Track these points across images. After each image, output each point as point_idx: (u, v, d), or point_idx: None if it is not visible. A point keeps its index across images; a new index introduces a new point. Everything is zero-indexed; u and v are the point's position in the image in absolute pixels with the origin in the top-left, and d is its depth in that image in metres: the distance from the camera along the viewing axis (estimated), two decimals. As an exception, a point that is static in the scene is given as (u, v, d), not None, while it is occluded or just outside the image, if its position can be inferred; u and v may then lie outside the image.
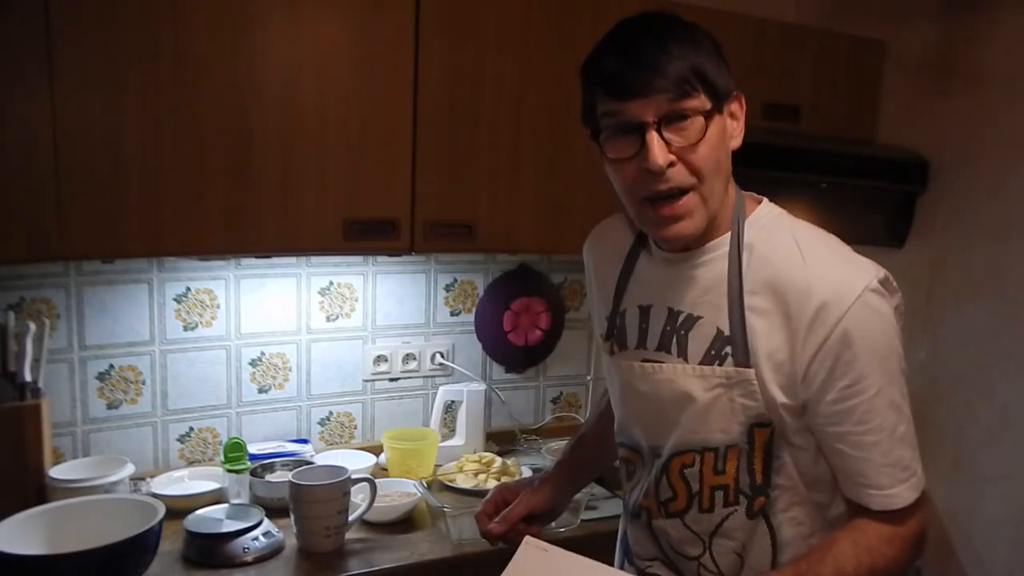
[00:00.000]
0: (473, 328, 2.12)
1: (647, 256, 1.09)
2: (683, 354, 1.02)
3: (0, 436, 1.47)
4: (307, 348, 1.95)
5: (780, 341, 0.94)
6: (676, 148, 0.92)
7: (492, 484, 1.78)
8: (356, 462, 1.81)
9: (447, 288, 2.09)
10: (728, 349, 0.97)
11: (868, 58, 2.10)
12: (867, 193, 2.03)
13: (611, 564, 1.25)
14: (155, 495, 1.54)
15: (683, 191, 0.94)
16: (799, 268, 0.94)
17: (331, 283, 1.96)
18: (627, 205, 1.00)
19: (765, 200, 1.05)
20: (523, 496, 1.24)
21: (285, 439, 1.92)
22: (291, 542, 1.50)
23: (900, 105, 2.08)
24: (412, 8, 1.57)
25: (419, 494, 1.65)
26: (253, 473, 1.68)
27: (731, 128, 0.98)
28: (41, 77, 1.31)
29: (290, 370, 1.94)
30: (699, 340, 1.00)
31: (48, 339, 1.59)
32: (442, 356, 2.10)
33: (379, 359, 2.03)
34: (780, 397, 0.96)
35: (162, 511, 1.35)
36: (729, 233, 1.00)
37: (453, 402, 2.05)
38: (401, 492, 1.69)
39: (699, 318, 1.00)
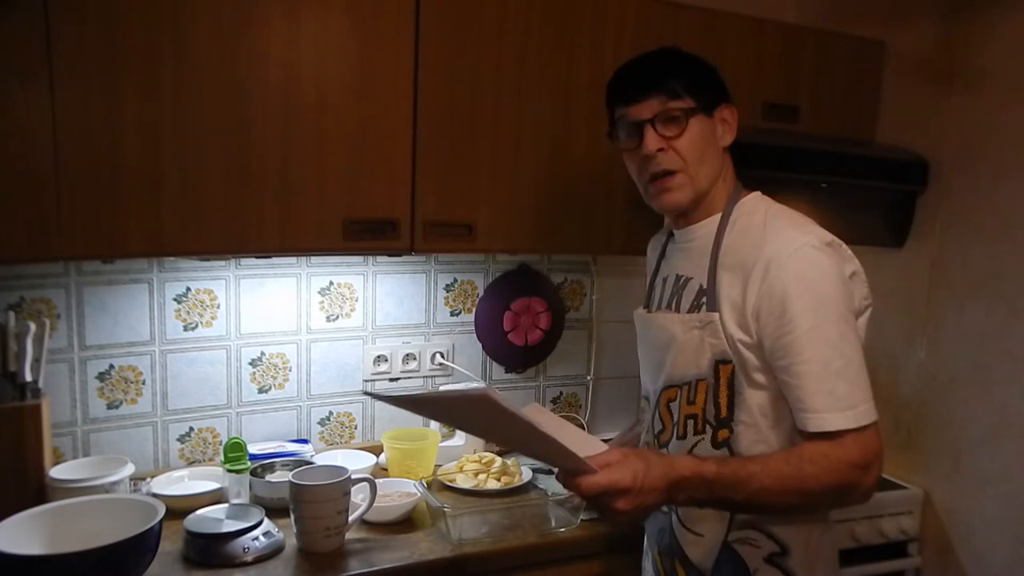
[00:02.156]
0: (473, 328, 2.12)
1: (672, 243, 1.36)
2: (678, 307, 1.27)
3: (0, 436, 1.47)
4: (307, 348, 1.95)
5: (738, 289, 1.15)
6: (666, 138, 1.19)
7: (492, 484, 1.78)
8: (356, 462, 1.81)
9: (447, 288, 2.09)
10: (704, 299, 1.21)
11: (868, 58, 2.10)
12: (867, 193, 2.03)
13: (639, 552, 1.46)
14: (155, 495, 1.54)
15: (672, 172, 1.21)
16: (760, 231, 1.17)
17: (331, 283, 1.96)
18: (640, 187, 1.27)
19: (758, 192, 1.28)
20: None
21: (285, 439, 1.92)
22: (291, 542, 1.50)
23: (900, 105, 2.08)
24: (412, 8, 1.57)
25: (419, 494, 1.65)
26: (253, 473, 1.68)
27: (720, 131, 1.24)
28: (41, 77, 1.31)
29: (290, 370, 1.94)
30: (688, 295, 1.25)
31: (48, 339, 1.59)
32: (442, 356, 2.10)
33: (379, 359, 2.03)
34: (737, 333, 1.16)
35: (162, 511, 1.35)
36: (721, 213, 1.25)
37: (453, 402, 2.05)
38: (401, 492, 1.69)
39: (690, 278, 1.26)
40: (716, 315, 1.17)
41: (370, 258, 1.98)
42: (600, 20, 1.75)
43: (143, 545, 1.31)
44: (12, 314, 1.61)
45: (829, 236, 1.16)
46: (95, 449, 1.75)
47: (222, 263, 1.83)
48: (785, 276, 1.10)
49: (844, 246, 1.17)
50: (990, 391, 1.86)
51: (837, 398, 1.08)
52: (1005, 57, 1.83)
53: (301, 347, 1.94)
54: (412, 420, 2.08)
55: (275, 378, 1.93)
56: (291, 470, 1.64)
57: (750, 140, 1.78)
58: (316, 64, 1.50)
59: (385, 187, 1.60)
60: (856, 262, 1.19)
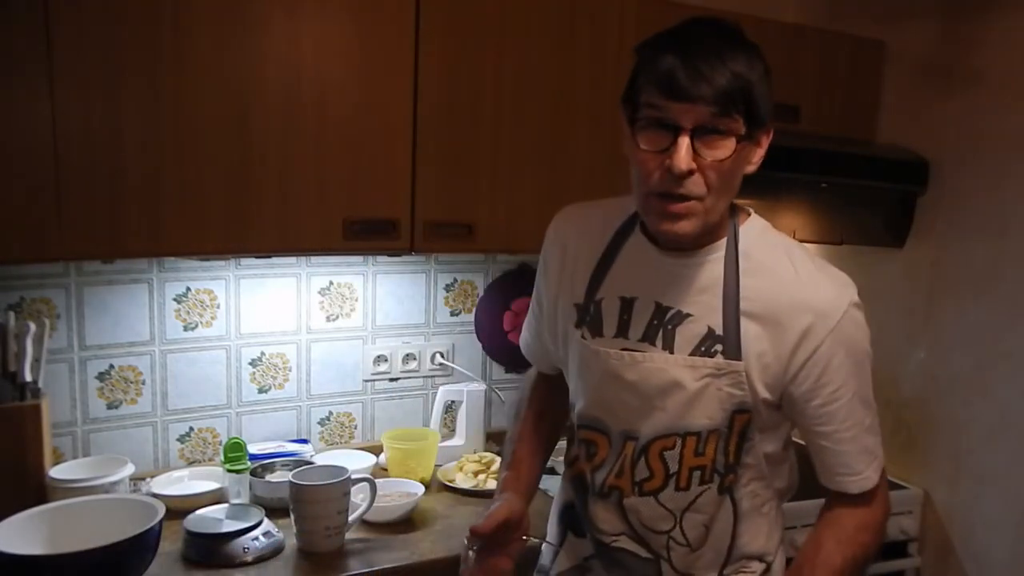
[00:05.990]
0: (473, 328, 2.12)
1: (637, 247, 1.12)
2: (668, 346, 1.07)
3: (0, 436, 1.47)
4: (307, 348, 1.95)
5: (769, 345, 1.04)
6: (701, 160, 0.96)
7: (492, 484, 1.78)
8: (356, 462, 1.81)
9: (447, 288, 2.09)
10: (719, 346, 1.05)
11: (868, 58, 2.10)
12: (867, 193, 2.03)
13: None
14: (155, 495, 1.54)
15: (688, 198, 0.98)
16: (793, 282, 1.04)
17: (331, 283, 1.96)
18: (637, 191, 1.04)
19: (753, 212, 1.12)
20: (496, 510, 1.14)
21: (285, 439, 1.92)
22: (291, 542, 1.50)
23: (900, 105, 2.09)
24: (412, 8, 1.57)
25: (419, 494, 1.66)
26: (253, 473, 1.68)
27: (752, 156, 1.03)
28: (41, 77, 1.30)
29: (290, 370, 1.94)
30: (688, 335, 1.06)
31: (48, 339, 1.59)
32: (442, 356, 2.10)
33: (379, 359, 2.03)
34: (763, 392, 1.05)
35: (162, 511, 1.35)
36: (725, 239, 1.07)
37: (453, 402, 2.05)
38: (401, 492, 1.69)
39: (688, 315, 1.06)
40: (741, 364, 1.04)
41: (370, 258, 1.98)
42: (600, 20, 1.75)
43: (143, 545, 1.31)
44: (12, 314, 1.61)
45: (852, 282, 1.07)
46: (95, 449, 1.75)
47: (222, 263, 1.83)
48: (833, 346, 1.02)
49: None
50: (990, 391, 1.86)
51: (871, 454, 1.09)
52: (1005, 57, 1.83)
53: (301, 347, 1.94)
54: (412, 420, 2.09)
55: (275, 378, 1.93)
56: (291, 470, 1.64)
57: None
58: (316, 64, 1.50)
59: (385, 187, 1.60)
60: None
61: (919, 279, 2.02)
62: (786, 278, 1.04)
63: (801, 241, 2.13)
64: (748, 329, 1.04)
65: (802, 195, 2.06)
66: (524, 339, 1.34)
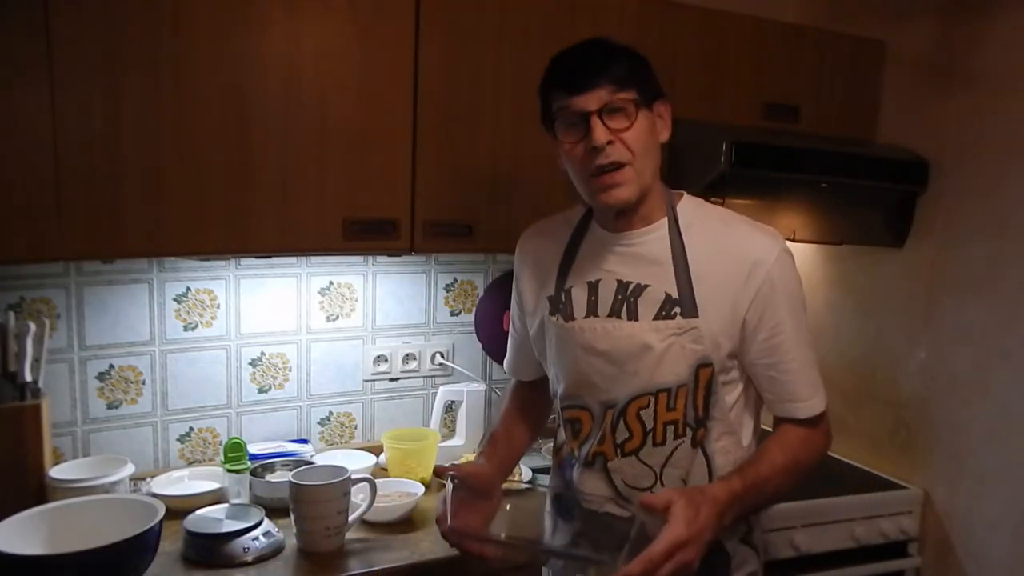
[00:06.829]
0: (473, 328, 2.12)
1: (594, 237, 1.30)
2: (634, 316, 1.22)
3: (0, 436, 1.47)
4: (307, 348, 1.95)
5: (721, 298, 1.19)
6: (613, 130, 1.15)
7: (492, 484, 1.78)
8: (356, 462, 1.81)
9: (447, 288, 2.09)
10: (677, 309, 1.20)
11: (868, 58, 2.10)
12: (867, 193, 2.03)
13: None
14: (155, 495, 1.54)
15: (620, 165, 1.16)
16: (728, 240, 1.21)
17: (331, 283, 1.96)
18: (578, 183, 1.23)
19: (685, 193, 1.29)
20: (465, 464, 1.36)
21: (285, 439, 1.92)
22: (291, 542, 1.50)
23: (900, 105, 2.08)
24: (412, 8, 1.57)
25: (419, 494, 1.66)
26: (253, 473, 1.68)
27: (659, 126, 1.22)
28: (41, 77, 1.31)
29: (290, 370, 1.94)
30: (649, 304, 1.21)
31: (48, 339, 1.59)
32: (442, 356, 2.10)
33: (379, 359, 2.03)
34: (725, 344, 1.20)
35: (162, 511, 1.35)
36: (665, 219, 1.24)
37: (453, 402, 2.05)
38: (401, 492, 1.69)
39: (647, 286, 1.22)
40: (698, 320, 1.18)
41: (370, 258, 1.98)
42: (600, 20, 1.75)
43: (143, 545, 1.31)
44: (12, 314, 1.61)
45: (780, 235, 1.24)
46: (95, 449, 1.75)
47: (222, 263, 1.83)
48: (772, 284, 1.18)
49: None
50: (990, 391, 1.86)
51: (815, 385, 1.24)
52: (1005, 57, 1.83)
53: (301, 347, 1.94)
54: (412, 420, 2.09)
55: (275, 378, 1.93)
56: (291, 470, 1.64)
57: (750, 140, 1.78)
58: (316, 64, 1.50)
59: (385, 187, 1.60)
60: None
61: (919, 279, 2.02)
62: (722, 238, 1.21)
63: (801, 241, 2.16)
64: (700, 290, 1.19)
65: (802, 195, 2.06)
66: (507, 360, 1.50)
